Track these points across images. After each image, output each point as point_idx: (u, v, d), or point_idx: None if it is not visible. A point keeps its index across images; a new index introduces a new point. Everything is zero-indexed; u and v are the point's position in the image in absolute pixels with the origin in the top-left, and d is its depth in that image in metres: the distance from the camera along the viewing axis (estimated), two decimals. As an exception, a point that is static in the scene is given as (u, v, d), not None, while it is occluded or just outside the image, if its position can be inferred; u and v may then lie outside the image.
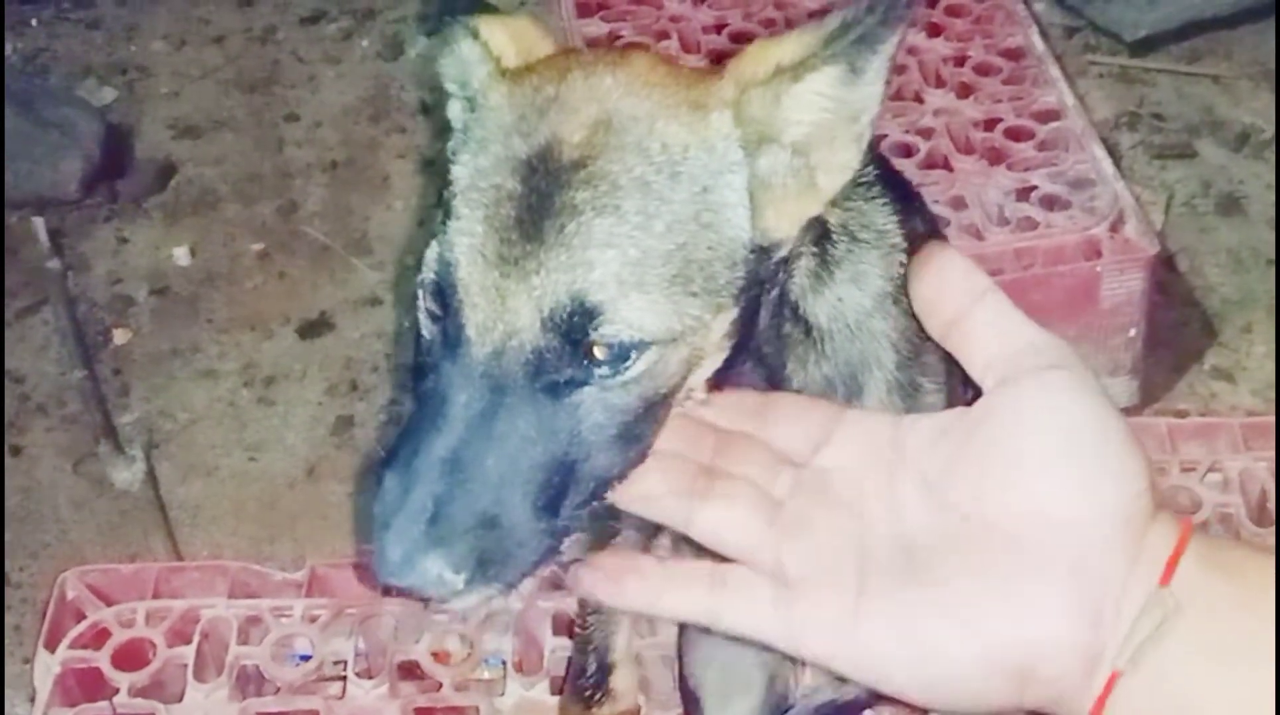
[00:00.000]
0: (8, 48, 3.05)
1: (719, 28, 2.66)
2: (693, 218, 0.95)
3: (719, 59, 2.55)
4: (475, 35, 1.03)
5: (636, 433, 0.96)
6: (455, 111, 1.06)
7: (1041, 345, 0.90)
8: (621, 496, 0.98)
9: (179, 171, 2.81)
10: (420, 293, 0.98)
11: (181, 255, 2.66)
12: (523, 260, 0.91)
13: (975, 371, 0.92)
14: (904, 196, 1.20)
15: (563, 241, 0.91)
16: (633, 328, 0.92)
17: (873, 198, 1.13)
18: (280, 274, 2.62)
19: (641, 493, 0.97)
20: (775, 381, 1.09)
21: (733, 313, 0.98)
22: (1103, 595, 0.85)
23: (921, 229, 1.19)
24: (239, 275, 2.62)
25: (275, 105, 2.95)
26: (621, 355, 0.93)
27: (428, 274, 0.96)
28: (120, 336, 2.52)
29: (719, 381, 1.03)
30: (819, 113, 0.96)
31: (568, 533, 0.96)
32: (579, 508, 0.96)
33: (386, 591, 0.92)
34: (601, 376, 0.93)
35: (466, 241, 0.93)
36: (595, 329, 0.91)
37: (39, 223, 2.66)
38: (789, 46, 0.96)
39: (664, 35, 2.65)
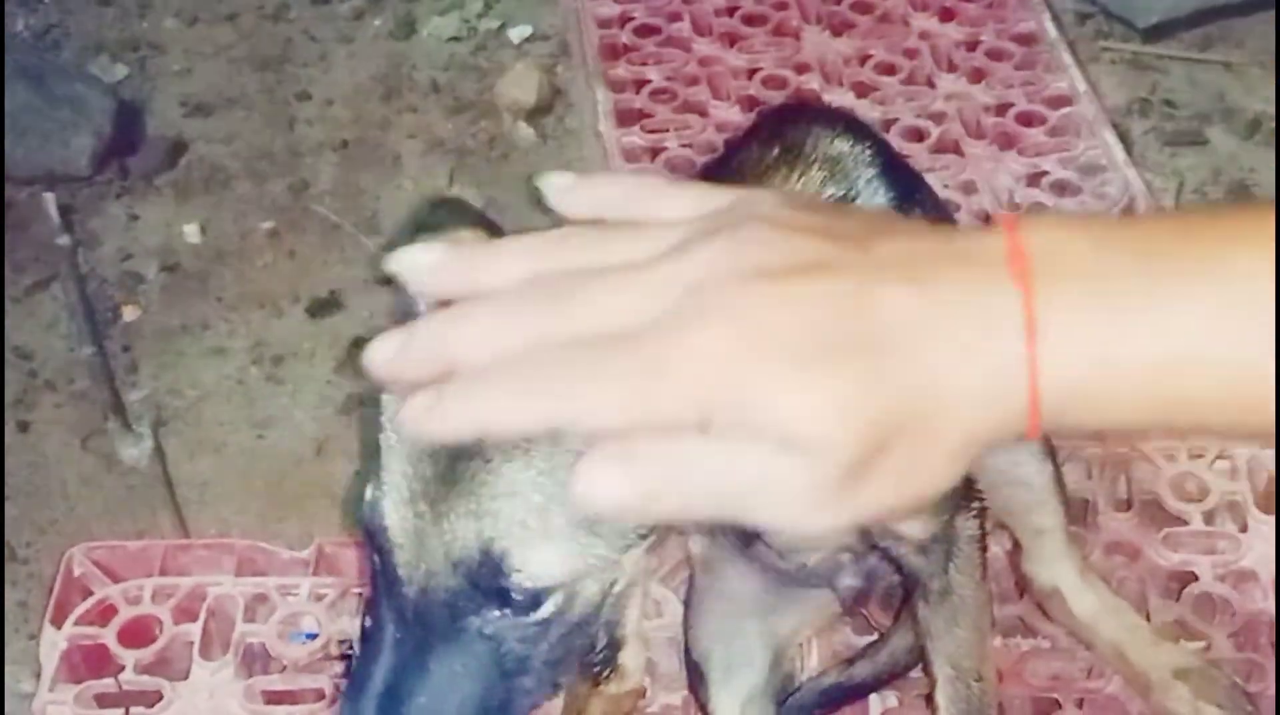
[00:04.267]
0: (19, 23, 3.05)
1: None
2: None
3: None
4: None
5: (565, 652, 1.00)
6: None
7: None
8: None
9: (190, 149, 2.81)
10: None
11: (192, 232, 2.66)
12: (437, 502, 0.92)
13: None
14: (907, 187, 1.19)
15: (471, 488, 0.91)
16: (541, 577, 0.93)
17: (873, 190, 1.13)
18: (290, 252, 2.62)
19: None
20: None
21: (644, 545, 0.98)
22: None
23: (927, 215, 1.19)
24: (249, 253, 2.62)
25: (287, 83, 2.94)
26: (532, 601, 0.95)
27: (365, 514, 0.98)
28: (130, 313, 2.52)
29: None
30: None
31: None
32: (527, 711, 1.02)
33: None
34: (511, 617, 0.95)
35: (393, 492, 0.95)
36: (505, 577, 0.93)
37: (49, 199, 2.66)
38: None
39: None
